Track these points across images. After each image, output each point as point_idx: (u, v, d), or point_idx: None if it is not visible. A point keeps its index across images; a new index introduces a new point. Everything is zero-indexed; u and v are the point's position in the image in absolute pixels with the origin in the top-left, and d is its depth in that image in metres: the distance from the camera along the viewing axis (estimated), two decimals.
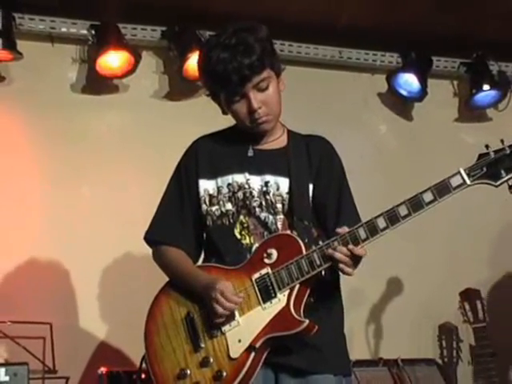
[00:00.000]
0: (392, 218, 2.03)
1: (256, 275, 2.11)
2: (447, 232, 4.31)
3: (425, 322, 4.05)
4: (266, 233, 2.19)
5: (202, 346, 2.12)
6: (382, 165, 4.37)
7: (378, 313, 4.08)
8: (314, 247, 2.09)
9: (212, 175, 2.27)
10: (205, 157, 2.31)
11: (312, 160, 2.27)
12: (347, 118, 4.37)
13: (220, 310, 2.07)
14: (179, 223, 2.29)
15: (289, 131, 2.35)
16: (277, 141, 2.30)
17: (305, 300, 2.10)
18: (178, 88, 4.11)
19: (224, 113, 2.29)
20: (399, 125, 4.55)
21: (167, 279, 2.29)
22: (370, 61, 4.42)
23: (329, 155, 2.31)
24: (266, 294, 2.09)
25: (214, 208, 2.24)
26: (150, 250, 2.37)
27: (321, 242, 2.11)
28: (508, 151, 2.03)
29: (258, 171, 2.24)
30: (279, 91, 2.24)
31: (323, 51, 4.33)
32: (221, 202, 2.24)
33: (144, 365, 2.26)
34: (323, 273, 2.10)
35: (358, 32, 4.14)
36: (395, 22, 4.07)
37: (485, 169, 2.03)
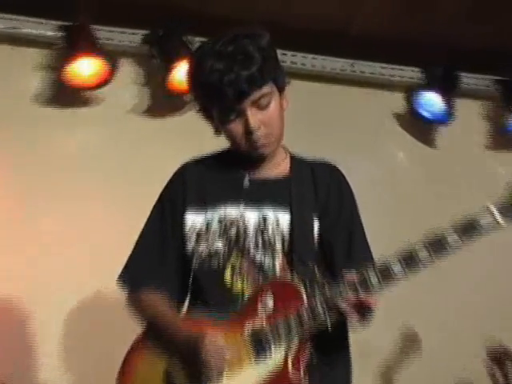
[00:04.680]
0: (409, 261, 2.04)
1: (248, 329, 2.10)
2: (470, 278, 4.28)
3: (442, 381, 4.05)
4: (261, 277, 2.18)
5: None
6: (399, 198, 4.39)
7: (389, 368, 4.08)
8: (317, 295, 2.08)
9: (201, 207, 2.27)
10: (193, 185, 2.31)
11: (318, 191, 2.27)
12: (359, 142, 4.40)
13: (200, 372, 2.05)
14: (160, 264, 2.29)
15: (292, 156, 2.36)
16: (278, 168, 2.31)
17: (305, 358, 2.08)
18: (162, 103, 4.14)
19: (217, 132, 2.29)
20: (419, 152, 4.58)
21: (144, 328, 2.28)
22: (386, 76, 4.47)
23: (338, 185, 2.32)
24: (261, 352, 2.08)
25: (201, 246, 2.24)
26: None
27: (326, 289, 2.08)
28: None
29: (255, 204, 2.24)
30: (282, 110, 2.24)
31: (332, 63, 4.37)
32: (210, 240, 2.23)
33: None
34: (329, 326, 2.08)
35: (373, 41, 4.15)
36: (418, 31, 4.09)
37: None
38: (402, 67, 4.46)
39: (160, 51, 4.02)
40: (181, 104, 4.05)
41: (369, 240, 2.31)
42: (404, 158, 4.61)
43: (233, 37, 2.17)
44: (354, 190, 2.35)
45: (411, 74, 4.47)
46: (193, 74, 2.25)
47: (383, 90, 4.51)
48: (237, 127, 2.19)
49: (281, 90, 2.25)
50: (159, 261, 2.29)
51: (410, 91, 4.43)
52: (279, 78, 2.24)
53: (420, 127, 4.54)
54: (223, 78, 2.11)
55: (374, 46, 4.20)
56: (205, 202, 2.27)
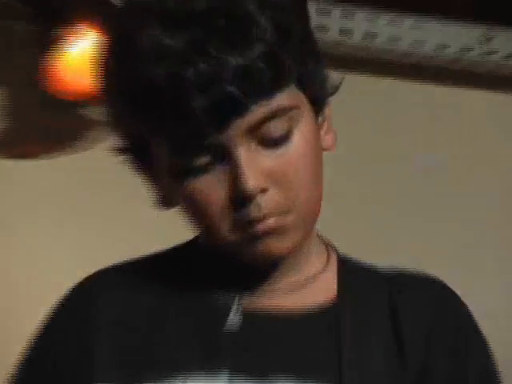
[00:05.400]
0: None
1: None
2: None
3: None
4: None
5: None
6: None
7: None
8: None
9: (129, 378, 2.26)
10: (112, 332, 2.32)
11: (407, 346, 2.30)
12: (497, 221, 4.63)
13: None
14: None
15: (342, 261, 2.41)
16: (309, 289, 2.33)
17: None
18: (37, 121, 4.35)
19: (165, 202, 2.29)
20: None
21: None
22: None
23: (455, 334, 2.34)
24: None
25: None
26: None
27: None
28: None
29: (254, 370, 2.22)
30: (318, 148, 2.22)
31: (439, 35, 4.63)
32: None
33: None
34: None
35: None
36: None
37: None
38: None
39: (35, 5, 4.10)
40: (80, 125, 4.19)
41: None
42: None
43: None
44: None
45: None
46: (114, 61, 2.20)
47: None
48: (213, 187, 2.14)
49: (318, 103, 2.23)
50: None
51: None
52: (315, 75, 2.23)
53: None
54: (186, 72, 2.05)
55: None
56: (137, 368, 2.27)
